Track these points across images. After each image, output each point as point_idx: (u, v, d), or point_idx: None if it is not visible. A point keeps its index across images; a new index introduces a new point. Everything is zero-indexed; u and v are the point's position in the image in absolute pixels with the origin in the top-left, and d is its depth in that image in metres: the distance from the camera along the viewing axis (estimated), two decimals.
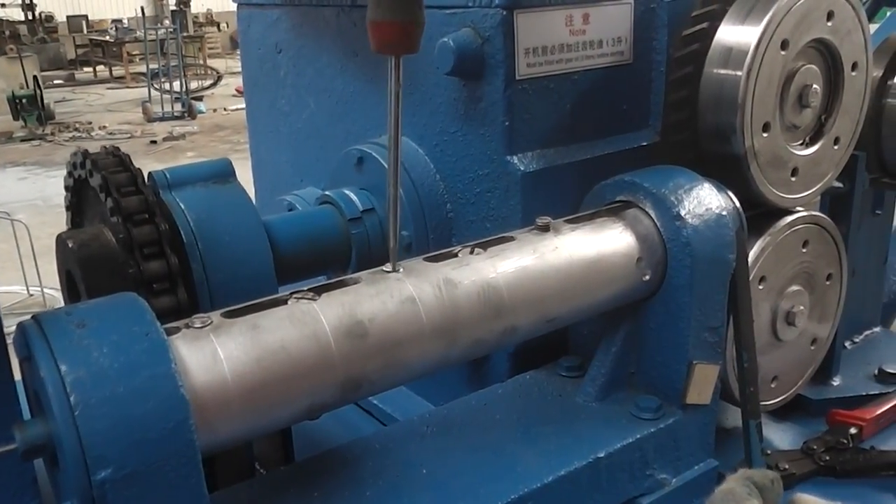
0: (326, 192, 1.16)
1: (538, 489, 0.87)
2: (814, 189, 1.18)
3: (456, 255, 0.85)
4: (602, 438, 0.95)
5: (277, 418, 0.72)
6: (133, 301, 0.66)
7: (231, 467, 0.94)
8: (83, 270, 0.89)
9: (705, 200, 0.99)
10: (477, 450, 0.94)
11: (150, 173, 0.99)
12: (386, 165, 1.15)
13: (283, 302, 0.74)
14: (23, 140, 11.02)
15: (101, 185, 0.91)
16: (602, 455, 0.93)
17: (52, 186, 7.80)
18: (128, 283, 0.87)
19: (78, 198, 1.03)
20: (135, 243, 0.87)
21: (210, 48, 18.55)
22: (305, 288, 0.76)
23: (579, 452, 0.92)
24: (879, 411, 1.29)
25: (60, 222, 1.05)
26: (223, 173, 1.01)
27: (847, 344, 1.50)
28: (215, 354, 0.67)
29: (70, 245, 0.91)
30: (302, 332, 0.71)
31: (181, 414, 0.61)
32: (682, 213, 0.96)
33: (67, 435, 0.57)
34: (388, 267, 0.80)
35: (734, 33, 1.07)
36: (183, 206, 0.96)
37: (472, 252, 0.86)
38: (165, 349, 0.62)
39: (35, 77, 11.79)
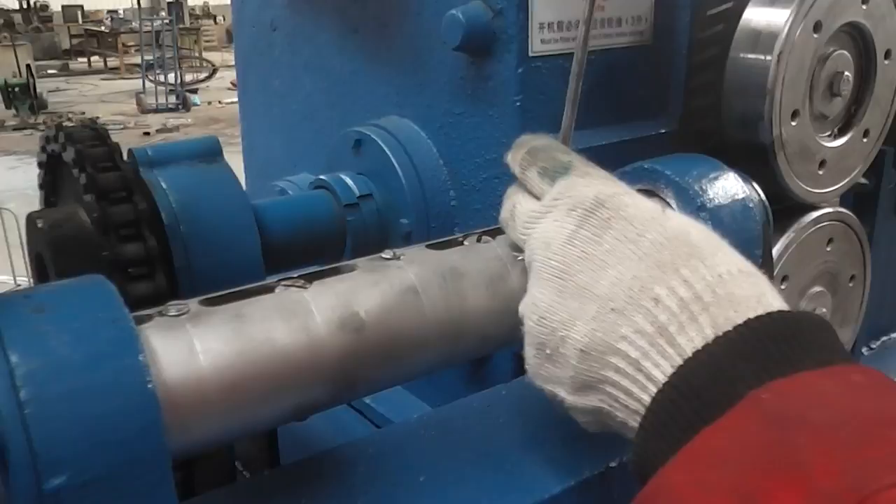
0: (321, 177, 1.08)
1: (546, 500, 0.80)
2: (841, 184, 1.11)
3: (462, 243, 0.77)
4: (616, 445, 0.87)
5: (261, 419, 0.64)
6: (100, 284, 0.58)
7: (210, 470, 0.87)
8: (53, 253, 0.81)
9: (731, 191, 0.91)
10: (479, 456, 0.86)
11: (130, 150, 0.91)
12: (387, 150, 1.08)
13: (271, 289, 0.66)
14: (15, 129, 10.94)
15: (75, 160, 0.83)
16: (615, 465, 0.85)
17: None
18: (102, 266, 0.80)
19: (52, 175, 0.95)
20: (110, 224, 0.79)
21: (206, 41, 18.48)
22: (296, 275, 0.68)
23: (591, 460, 0.85)
24: None
25: None
26: (210, 152, 0.93)
27: (864, 350, 1.44)
28: (191, 346, 0.59)
29: (40, 225, 0.83)
30: (290, 324, 0.63)
31: (150, 413, 0.54)
32: (707, 203, 0.89)
33: (15, 436, 0.49)
34: (387, 254, 0.73)
35: (763, 14, 0.99)
36: (165, 185, 0.88)
37: (479, 240, 0.78)
38: (134, 339, 0.54)
39: (28, 66, 11.70)
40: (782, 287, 1.07)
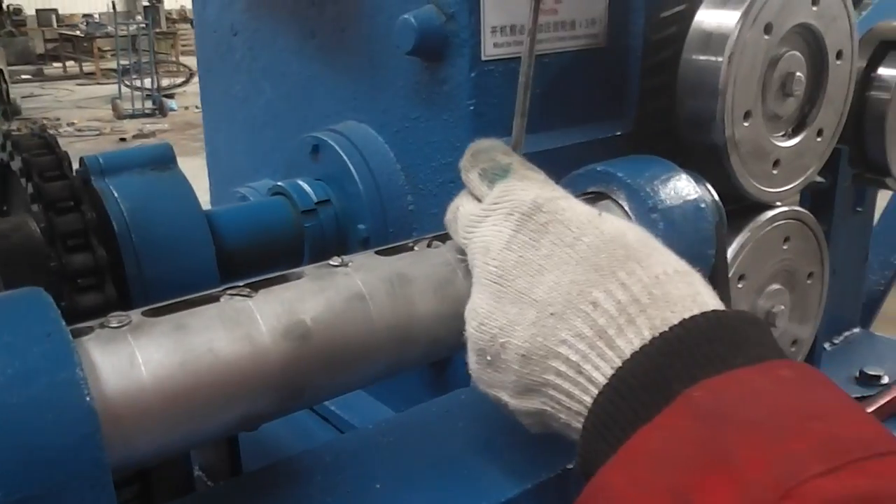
0: (278, 183, 1.08)
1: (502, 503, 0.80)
2: (796, 183, 1.12)
3: (412, 249, 0.77)
4: (573, 448, 0.87)
5: (206, 429, 0.64)
6: (36, 296, 0.58)
7: (168, 480, 0.86)
8: (0, 264, 0.80)
9: (683, 192, 0.92)
10: (437, 461, 0.86)
11: (81, 158, 0.91)
12: (344, 155, 1.08)
13: (215, 299, 0.66)
14: None
15: (22, 169, 0.83)
16: (571, 466, 0.85)
17: None
18: (51, 278, 0.79)
19: (2, 184, 0.94)
20: (56, 234, 0.79)
21: (183, 45, 18.36)
22: (241, 283, 0.68)
23: (548, 464, 0.85)
24: None
25: None
26: (163, 159, 0.93)
27: (827, 345, 1.46)
28: (132, 358, 0.59)
29: None
30: (234, 333, 0.63)
31: (88, 427, 0.53)
32: (659, 205, 0.89)
33: None
34: (335, 261, 0.72)
35: (714, 16, 1.00)
36: (116, 194, 0.87)
37: (429, 245, 0.78)
38: (70, 352, 0.54)
39: (1, 71, 11.58)
40: (739, 286, 1.08)
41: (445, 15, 0.95)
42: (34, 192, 0.80)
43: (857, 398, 1.30)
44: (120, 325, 0.61)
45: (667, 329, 0.54)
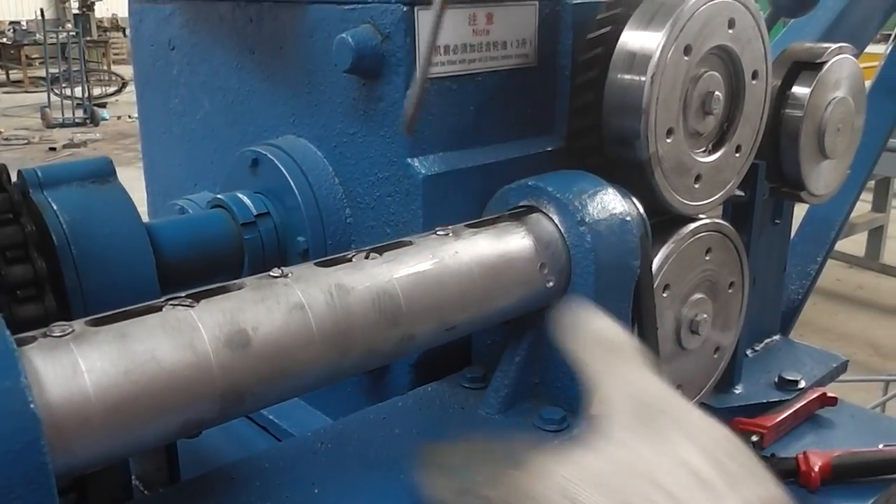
0: (218, 196, 1.10)
1: None
2: (716, 196, 1.18)
3: (350, 260, 0.80)
4: None
5: (149, 436, 0.66)
6: None
7: (105, 489, 0.87)
8: None
9: (609, 206, 0.97)
10: (373, 466, 0.89)
11: (19, 171, 0.91)
12: (283, 169, 1.10)
13: (158, 309, 0.68)
14: None
15: None
16: None
17: None
18: None
19: None
20: None
21: (115, 54, 18.01)
22: (183, 293, 0.70)
23: None
24: (779, 419, 1.30)
25: None
26: (102, 172, 0.94)
27: (748, 352, 1.52)
28: (76, 366, 0.60)
29: None
30: (176, 341, 0.65)
31: (31, 433, 0.55)
32: (586, 218, 0.94)
33: None
34: (275, 272, 0.75)
35: (638, 38, 1.05)
36: (55, 207, 0.88)
37: (367, 257, 0.81)
38: (14, 360, 0.56)
39: None
40: (664, 295, 1.13)
41: (382, 35, 0.98)
42: None
43: (775, 402, 1.37)
44: (63, 334, 0.62)
45: None
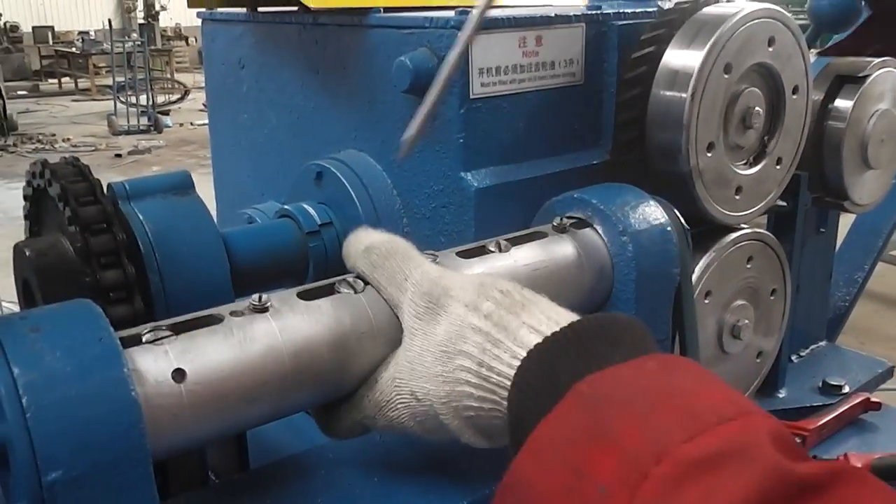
0: (285, 206, 1.18)
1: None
2: (757, 207, 1.22)
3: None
4: None
5: (228, 426, 0.74)
6: (87, 307, 0.68)
7: (184, 475, 0.95)
8: (39, 279, 0.90)
9: (651, 217, 1.02)
10: (426, 461, 0.96)
11: (109, 184, 1.01)
12: (345, 181, 1.18)
13: (220, 319, 0.75)
14: None
15: (60, 195, 0.92)
16: None
17: (12, 198, 7.69)
18: (84, 291, 0.89)
19: (36, 207, 1.04)
20: (92, 252, 0.89)
21: (178, 62, 18.48)
22: (274, 299, 0.78)
23: None
24: (822, 422, 1.33)
25: (20, 235, 1.06)
26: (182, 185, 1.03)
27: (794, 357, 1.55)
28: (170, 362, 0.69)
29: (27, 254, 0.92)
30: (262, 343, 0.73)
31: (132, 417, 0.63)
32: (629, 229, 1.00)
33: (19, 437, 0.58)
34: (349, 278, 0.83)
35: (680, 57, 1.11)
36: (141, 217, 0.97)
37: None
38: (118, 354, 0.64)
39: None
40: (706, 301, 1.18)
41: (438, 58, 1.05)
42: (71, 215, 0.90)
43: (818, 406, 1.41)
44: (155, 336, 0.71)
45: (557, 329, 0.65)
